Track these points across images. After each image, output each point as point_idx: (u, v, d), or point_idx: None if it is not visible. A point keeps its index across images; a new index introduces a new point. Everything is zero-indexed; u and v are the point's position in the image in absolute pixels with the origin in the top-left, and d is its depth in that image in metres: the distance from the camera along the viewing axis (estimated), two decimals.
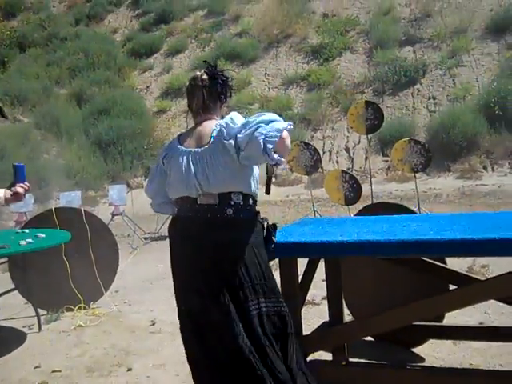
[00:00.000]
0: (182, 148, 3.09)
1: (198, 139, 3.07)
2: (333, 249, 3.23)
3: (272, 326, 2.93)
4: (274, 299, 2.97)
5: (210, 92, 3.13)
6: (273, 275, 3.05)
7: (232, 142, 2.92)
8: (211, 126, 3.07)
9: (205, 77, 3.14)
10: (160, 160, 3.23)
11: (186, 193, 3.05)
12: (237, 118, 3.02)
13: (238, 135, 2.90)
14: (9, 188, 3.28)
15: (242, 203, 3.01)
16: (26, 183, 3.30)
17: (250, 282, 2.91)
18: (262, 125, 2.84)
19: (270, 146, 2.81)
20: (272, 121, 2.88)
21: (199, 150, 3.03)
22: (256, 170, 3.13)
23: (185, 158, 3.05)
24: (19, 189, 3.27)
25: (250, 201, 3.08)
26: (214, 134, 3.01)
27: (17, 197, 3.28)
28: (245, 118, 3.11)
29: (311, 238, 3.36)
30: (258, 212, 3.13)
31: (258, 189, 3.15)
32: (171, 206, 3.23)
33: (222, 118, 3.14)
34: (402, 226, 3.49)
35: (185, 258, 3.05)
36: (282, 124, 2.87)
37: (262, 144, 2.80)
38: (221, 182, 2.96)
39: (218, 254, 2.93)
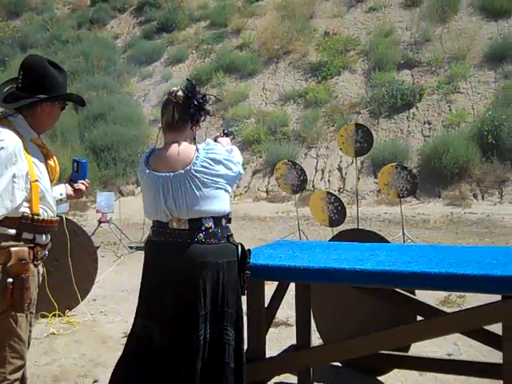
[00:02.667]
0: (151, 172, 3.06)
1: (169, 163, 3.02)
2: (299, 274, 3.26)
3: (211, 354, 2.94)
4: (221, 326, 2.98)
5: (181, 110, 3.04)
6: (236, 300, 3.06)
7: (226, 172, 3.06)
8: (187, 152, 3.02)
9: (180, 93, 3.06)
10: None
11: (157, 217, 3.06)
12: (220, 152, 3.05)
13: (232, 174, 3.11)
14: (69, 183, 3.20)
15: (213, 227, 3.01)
16: (86, 180, 3.23)
17: (205, 310, 2.93)
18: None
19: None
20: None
21: (171, 174, 2.99)
22: (229, 188, 3.13)
23: (154, 182, 3.03)
24: (82, 186, 3.20)
25: (223, 222, 3.07)
26: (196, 165, 2.97)
27: (78, 193, 3.20)
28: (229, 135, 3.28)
29: (279, 261, 3.39)
30: (231, 235, 3.13)
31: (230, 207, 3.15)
32: None
33: (195, 140, 3.11)
34: (370, 255, 3.52)
35: (154, 285, 3.06)
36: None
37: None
38: (191, 208, 2.96)
39: (184, 279, 2.94)
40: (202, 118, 3.15)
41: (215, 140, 3.29)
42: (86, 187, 3.24)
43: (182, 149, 3.04)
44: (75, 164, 3.20)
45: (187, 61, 21.63)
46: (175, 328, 2.94)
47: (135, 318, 3.13)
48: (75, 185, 3.19)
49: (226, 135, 3.41)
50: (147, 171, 3.08)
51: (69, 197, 3.18)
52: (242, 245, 3.17)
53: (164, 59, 22.15)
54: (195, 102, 3.07)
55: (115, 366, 3.13)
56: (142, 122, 18.50)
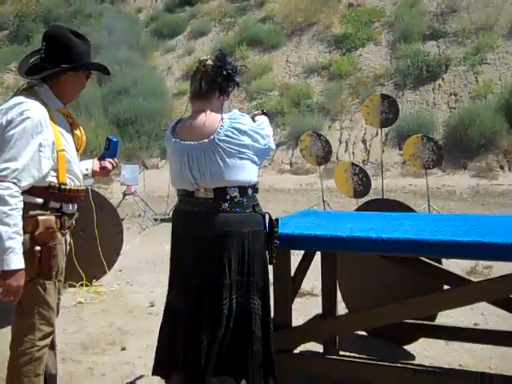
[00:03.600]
0: (177, 140, 3.05)
1: (195, 132, 3.00)
2: (324, 243, 3.25)
3: (237, 323, 2.96)
4: (247, 295, 2.98)
5: (209, 79, 3.01)
6: (262, 269, 3.06)
7: (253, 144, 3.01)
8: (211, 121, 2.99)
9: (209, 62, 3.03)
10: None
11: (183, 186, 3.06)
12: (246, 123, 3.01)
13: (261, 146, 3.08)
14: (99, 159, 3.18)
15: (238, 196, 2.99)
16: (115, 159, 3.18)
17: (229, 279, 2.93)
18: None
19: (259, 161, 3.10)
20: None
21: (195, 143, 2.97)
22: (257, 159, 3.10)
23: (179, 151, 3.02)
24: (108, 164, 3.16)
25: (249, 191, 3.04)
26: (219, 135, 2.94)
27: (104, 171, 3.17)
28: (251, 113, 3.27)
29: (305, 230, 3.38)
30: (257, 204, 3.10)
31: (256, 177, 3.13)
32: None
33: (222, 110, 3.06)
34: (397, 224, 3.50)
35: (180, 253, 3.08)
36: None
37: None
38: (215, 177, 2.94)
39: (209, 248, 2.94)
40: (231, 89, 3.11)
41: (252, 118, 3.25)
42: (114, 166, 3.20)
43: (208, 118, 3.01)
44: (107, 142, 3.18)
45: (210, 34, 21.55)
46: (199, 296, 2.96)
47: (168, 286, 3.15)
48: (102, 162, 3.18)
49: (266, 115, 3.37)
50: (173, 140, 3.08)
51: (94, 173, 3.15)
52: (269, 214, 3.16)
53: (187, 32, 22.10)
54: (224, 72, 3.03)
55: (158, 334, 3.16)
56: (165, 96, 18.54)
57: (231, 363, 2.97)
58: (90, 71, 3.03)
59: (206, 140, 2.96)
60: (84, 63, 2.94)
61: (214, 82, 3.03)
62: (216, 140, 2.94)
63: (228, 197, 2.97)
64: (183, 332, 2.99)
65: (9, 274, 2.59)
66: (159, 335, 3.16)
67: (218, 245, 2.94)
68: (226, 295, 2.93)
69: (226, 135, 2.94)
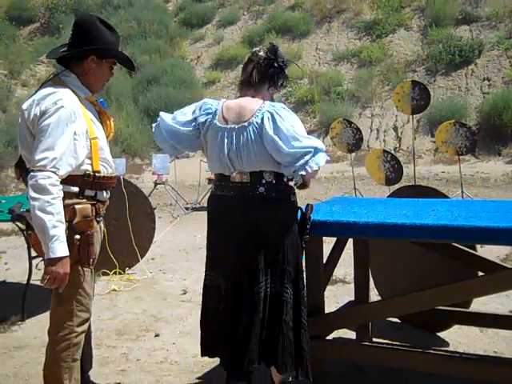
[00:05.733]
0: (218, 124, 3.05)
1: (236, 115, 3.03)
2: (358, 229, 3.22)
3: (270, 310, 2.97)
4: (281, 283, 2.98)
5: (260, 70, 3.07)
6: (296, 257, 3.05)
7: (274, 137, 2.89)
8: (254, 105, 3.02)
9: (261, 53, 3.10)
10: (198, 120, 3.13)
11: (221, 170, 3.07)
12: (285, 117, 2.95)
13: (283, 147, 2.88)
14: None
15: (274, 182, 3.00)
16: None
17: (264, 263, 2.95)
18: (311, 151, 2.92)
19: (302, 172, 2.91)
20: (318, 151, 2.95)
21: (235, 126, 3.00)
22: None
23: (220, 134, 3.03)
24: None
25: (285, 179, 3.06)
26: (257, 118, 2.96)
27: None
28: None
29: (337, 217, 3.36)
30: (294, 193, 3.11)
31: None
32: (173, 147, 3.24)
33: (272, 101, 3.09)
34: (430, 210, 3.46)
35: (217, 237, 3.10)
36: (322, 159, 2.96)
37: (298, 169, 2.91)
38: (252, 161, 2.95)
39: (244, 232, 2.96)
40: (280, 82, 3.15)
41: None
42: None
43: (251, 101, 3.05)
44: None
45: (239, 22, 21.48)
46: (238, 280, 2.98)
47: (205, 270, 3.17)
48: None
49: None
50: (216, 122, 3.08)
51: None
52: (301, 209, 3.16)
53: (215, 21, 22.06)
54: (275, 64, 3.08)
55: (200, 319, 3.21)
56: (195, 85, 18.57)
57: (262, 349, 2.98)
58: (114, 63, 3.03)
59: (245, 123, 2.98)
60: (106, 48, 2.93)
61: (264, 73, 3.09)
62: (254, 123, 2.96)
63: (264, 181, 2.98)
64: (224, 313, 3.01)
65: (55, 262, 2.64)
66: (201, 320, 3.18)
67: (253, 229, 2.96)
68: (262, 278, 2.94)
69: (263, 119, 2.95)
